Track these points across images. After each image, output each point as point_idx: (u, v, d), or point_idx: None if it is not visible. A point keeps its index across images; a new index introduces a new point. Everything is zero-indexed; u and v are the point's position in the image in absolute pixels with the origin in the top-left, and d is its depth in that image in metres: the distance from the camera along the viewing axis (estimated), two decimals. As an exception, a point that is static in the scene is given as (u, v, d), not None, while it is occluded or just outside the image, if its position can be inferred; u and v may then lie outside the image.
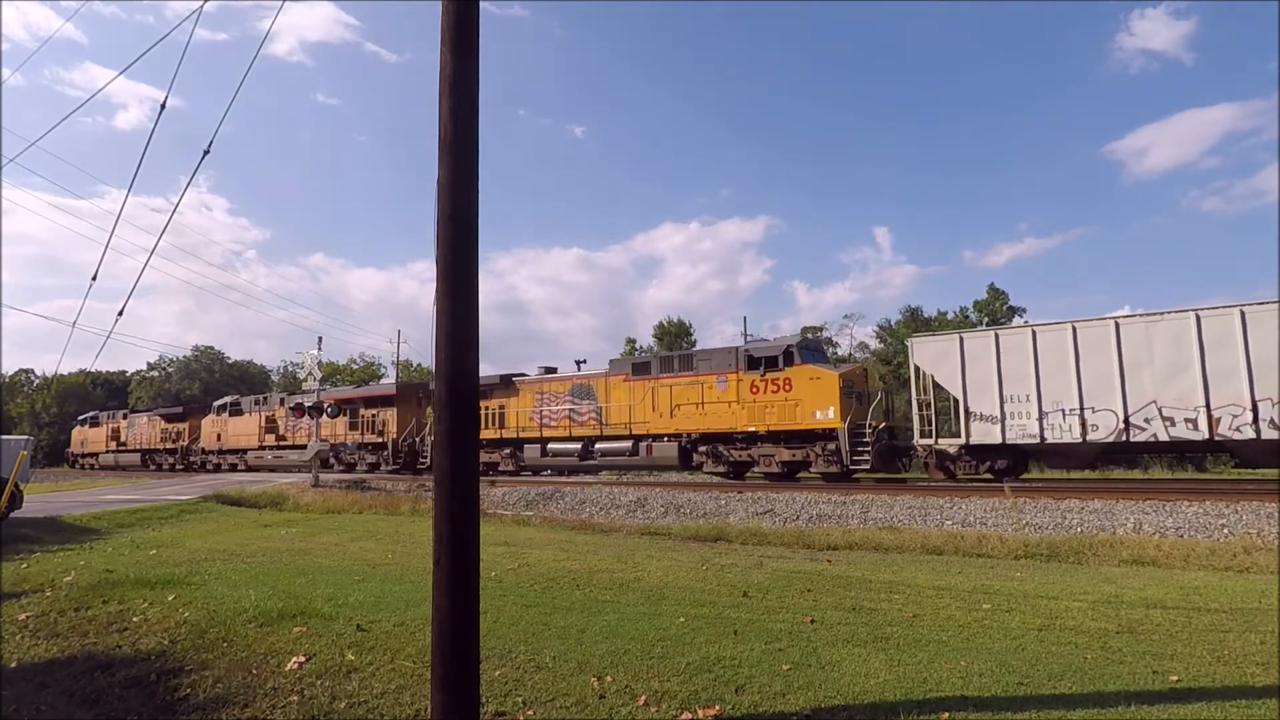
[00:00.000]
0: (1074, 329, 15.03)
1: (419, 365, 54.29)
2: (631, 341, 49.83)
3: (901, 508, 12.58)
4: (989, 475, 15.75)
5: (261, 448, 30.82)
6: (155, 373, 61.58)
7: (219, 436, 33.25)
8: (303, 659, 4.90)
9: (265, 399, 32.55)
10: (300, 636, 5.39)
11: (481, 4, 3.88)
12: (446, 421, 3.49)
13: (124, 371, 65.37)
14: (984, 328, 16.47)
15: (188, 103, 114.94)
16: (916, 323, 41.48)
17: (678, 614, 5.93)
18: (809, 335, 19.71)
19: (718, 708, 3.89)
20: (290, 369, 61.31)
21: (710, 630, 5.38)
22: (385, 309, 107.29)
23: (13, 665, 5.35)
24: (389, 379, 53.22)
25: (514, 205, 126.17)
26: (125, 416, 41.06)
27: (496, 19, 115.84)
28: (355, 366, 60.35)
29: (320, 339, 50.60)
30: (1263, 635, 5.13)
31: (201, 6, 5.95)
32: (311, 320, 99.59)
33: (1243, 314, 13.43)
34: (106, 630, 6.05)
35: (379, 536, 11.74)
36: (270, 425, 30.78)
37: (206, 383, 56.93)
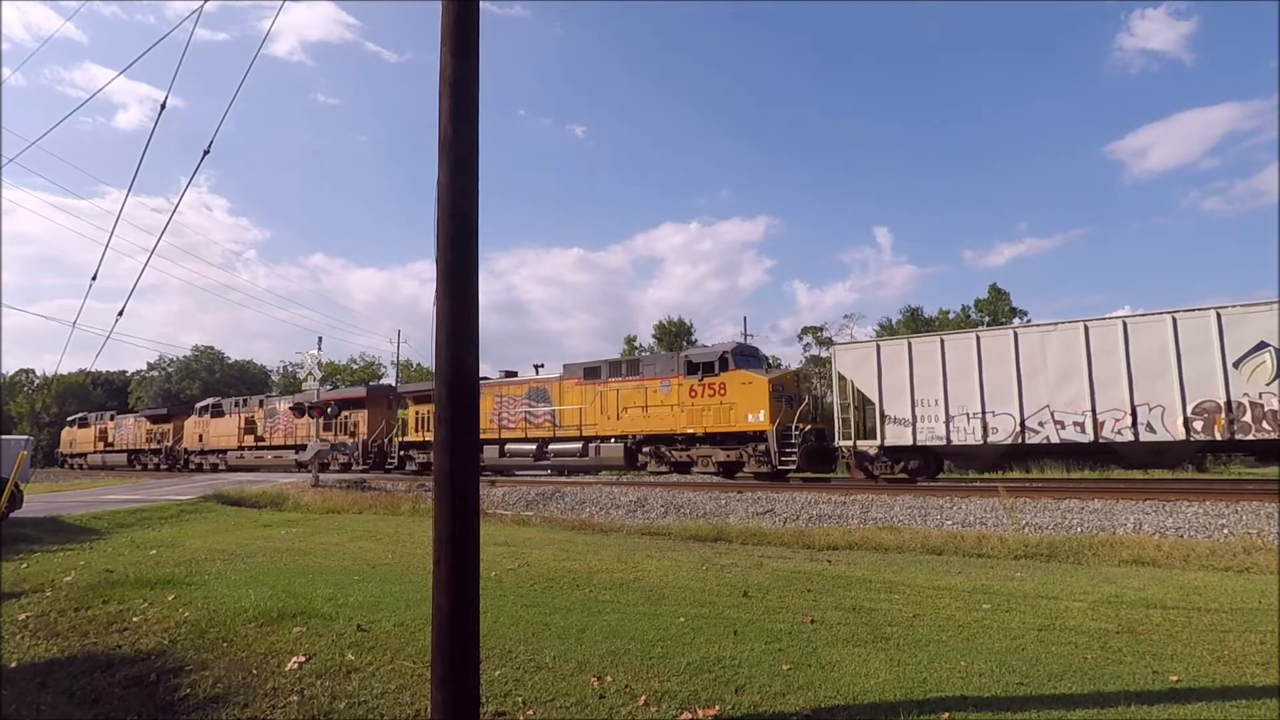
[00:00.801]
0: (978, 338, 16.14)
1: (419, 365, 54.29)
2: (631, 340, 49.83)
3: (901, 508, 12.58)
4: (904, 475, 16.72)
5: (240, 448, 31.87)
6: (155, 373, 61.60)
7: (201, 437, 34.26)
8: (303, 659, 4.90)
9: (244, 401, 33.53)
10: (300, 636, 5.39)
11: (481, 4, 3.88)
12: (447, 422, 3.49)
13: (124, 371, 65.39)
14: (899, 336, 17.78)
15: (188, 103, 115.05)
16: (917, 323, 41.48)
17: (678, 614, 5.93)
18: (744, 342, 20.98)
19: (718, 708, 3.89)
20: (290, 369, 61.34)
21: (710, 630, 5.38)
22: (385, 309, 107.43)
23: (13, 665, 5.35)
24: (389, 379, 53.30)
25: (514, 205, 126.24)
26: (113, 418, 41.99)
27: (496, 19, 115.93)
28: (355, 366, 60.32)
29: (320, 339, 50.67)
30: (1263, 635, 5.13)
31: (201, 6, 5.95)
32: (312, 320, 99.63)
33: (1125, 325, 14.55)
34: (106, 630, 6.05)
35: (379, 536, 11.74)
36: (249, 426, 31.81)
37: (206, 383, 56.93)
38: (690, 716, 3.82)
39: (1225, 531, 9.83)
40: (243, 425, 32.06)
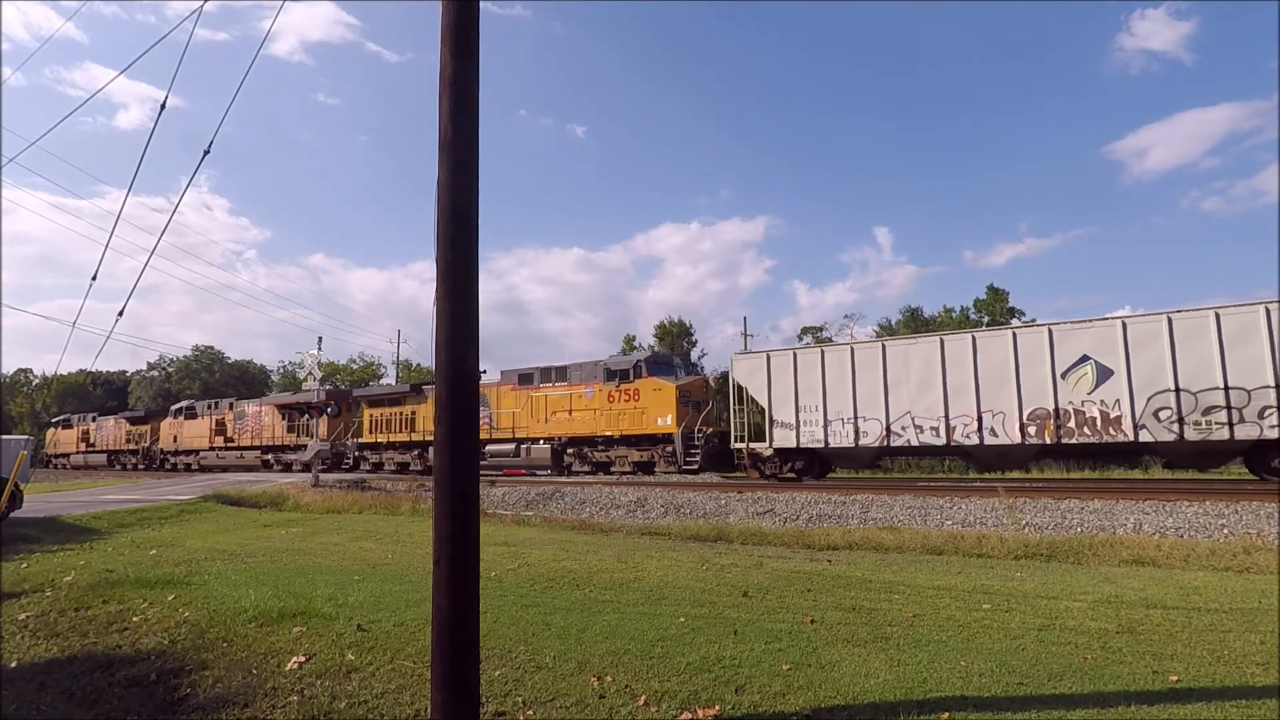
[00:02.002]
0: (852, 350, 17.74)
1: (419, 365, 54.24)
2: (631, 340, 49.78)
3: (901, 508, 12.58)
4: (792, 474, 18.19)
5: (211, 448, 33.28)
6: (155, 373, 61.57)
7: (175, 438, 35.63)
8: (303, 659, 4.90)
9: (216, 404, 34.92)
10: (300, 636, 5.39)
11: (481, 4, 3.88)
12: (447, 422, 3.49)
13: (124, 371, 65.37)
14: (786, 348, 19.41)
15: (188, 103, 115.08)
16: (917, 323, 41.51)
17: (678, 614, 5.93)
18: (659, 351, 22.88)
19: (718, 708, 3.89)
20: (290, 369, 61.30)
21: (710, 630, 5.38)
22: (385, 309, 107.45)
23: (13, 665, 5.34)
24: (389, 379, 53.33)
25: (514, 205, 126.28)
26: (94, 419, 43.12)
27: (497, 19, 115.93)
28: (355, 366, 60.28)
29: (320, 339, 50.68)
30: (1263, 635, 5.13)
31: (202, 6, 5.94)
32: (312, 320, 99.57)
33: (974, 338, 16.13)
34: (106, 630, 6.05)
35: (379, 536, 11.74)
36: (219, 428, 33.16)
37: (206, 383, 56.93)
38: (690, 716, 3.82)
39: (1225, 531, 9.83)
40: (213, 427, 33.28)
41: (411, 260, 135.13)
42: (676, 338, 46.21)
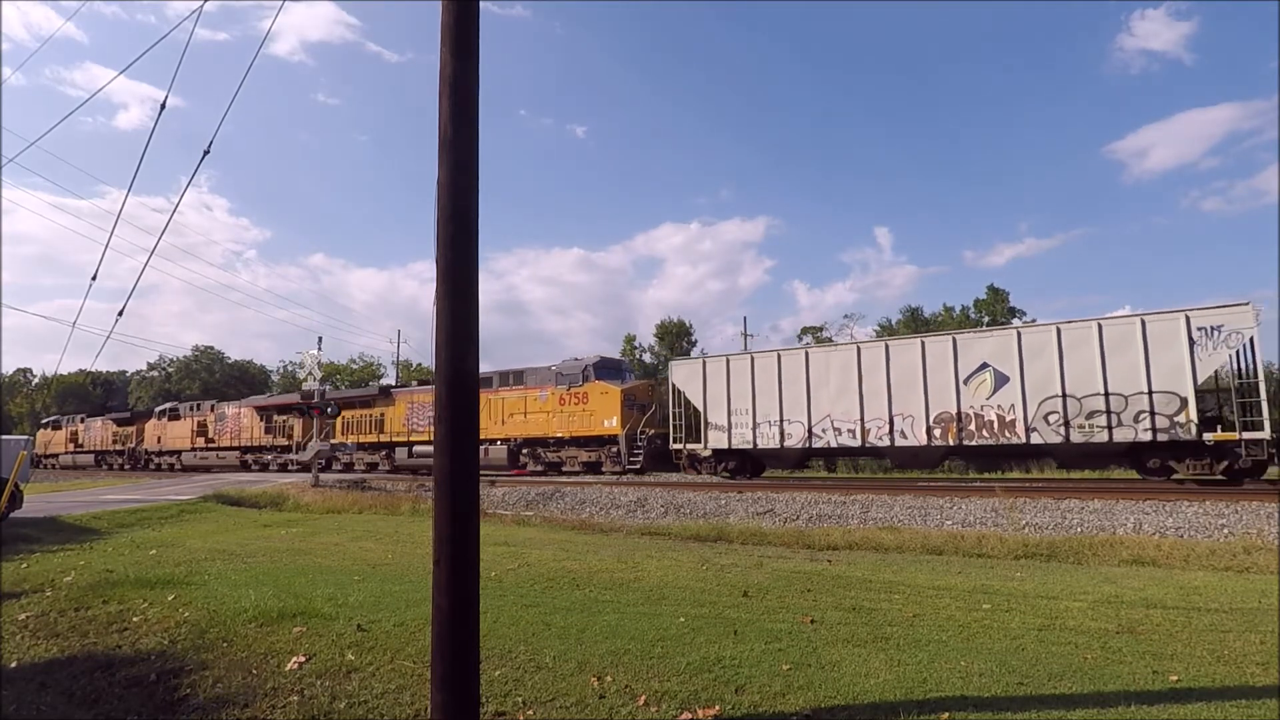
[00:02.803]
0: (778, 356, 18.69)
1: (419, 365, 54.25)
2: (631, 340, 49.79)
3: (901, 508, 12.58)
4: (728, 474, 19.10)
5: (193, 449, 34.36)
6: (155, 373, 61.56)
7: (159, 439, 36.58)
8: (303, 659, 4.90)
9: (198, 406, 35.97)
10: (300, 636, 5.39)
11: (482, 4, 3.87)
12: (447, 422, 3.49)
13: (124, 371, 65.37)
14: (720, 354, 20.29)
15: (188, 102, 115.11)
16: (917, 322, 41.53)
17: (678, 614, 5.93)
18: (608, 356, 23.31)
19: (718, 708, 3.89)
20: (290, 369, 61.30)
21: (710, 630, 5.38)
22: (385, 309, 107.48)
23: (13, 665, 5.34)
24: (389, 379, 53.32)
25: (514, 205, 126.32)
26: (83, 420, 43.98)
27: (497, 19, 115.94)
28: (355, 366, 60.26)
29: (320, 339, 50.72)
30: (1263, 635, 5.13)
31: (202, 6, 5.94)
32: (312, 320, 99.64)
33: (887, 346, 17.17)
34: (106, 630, 6.05)
35: (379, 536, 11.74)
36: (201, 429, 34.17)
37: (206, 383, 56.93)
38: (690, 716, 3.82)
39: (1225, 531, 9.83)
40: (195, 428, 34.35)
41: (411, 260, 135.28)
42: (676, 338, 46.21)
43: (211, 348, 61.83)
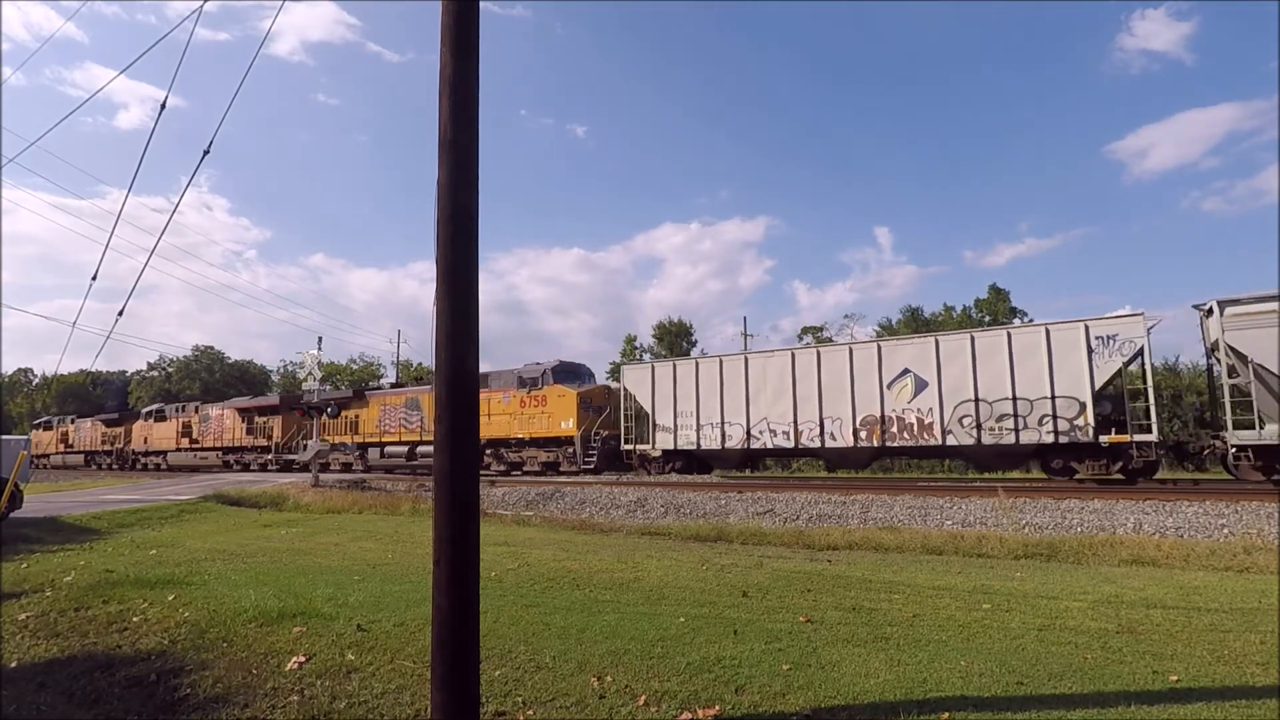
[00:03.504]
0: (720, 362, 19.75)
1: (419, 365, 54.23)
2: (631, 340, 49.77)
3: (901, 508, 12.58)
4: (674, 473, 20.02)
5: (178, 449, 35.37)
6: (155, 373, 61.54)
7: (146, 439, 37.60)
8: (303, 659, 4.90)
9: (183, 408, 36.96)
10: (300, 636, 5.39)
11: (482, 4, 3.88)
12: (447, 422, 3.49)
13: (124, 371, 65.34)
14: (668, 358, 21.95)
15: (189, 102, 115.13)
16: (917, 322, 41.52)
17: (678, 614, 5.93)
18: (566, 361, 24.12)
19: (718, 708, 3.89)
20: (290, 369, 61.28)
21: (710, 630, 5.38)
22: (386, 309, 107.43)
23: (13, 665, 5.34)
24: (389, 378, 53.34)
25: (514, 205, 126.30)
26: (73, 421, 44.95)
27: (497, 19, 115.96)
28: (355, 366, 60.25)
29: (320, 339, 50.71)
30: (1263, 635, 5.13)
31: (202, 6, 5.94)
32: (312, 320, 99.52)
33: (818, 353, 18.41)
34: (106, 630, 6.05)
35: (379, 536, 11.74)
36: (185, 430, 35.21)
37: (206, 383, 56.90)
38: (690, 716, 3.82)
39: (1225, 531, 9.83)
40: (180, 429, 35.36)
41: (411, 260, 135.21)
42: (676, 338, 46.17)
43: (211, 348, 61.83)
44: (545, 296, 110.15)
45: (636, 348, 48.04)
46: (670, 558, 9.11)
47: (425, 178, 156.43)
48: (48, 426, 46.30)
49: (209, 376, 58.28)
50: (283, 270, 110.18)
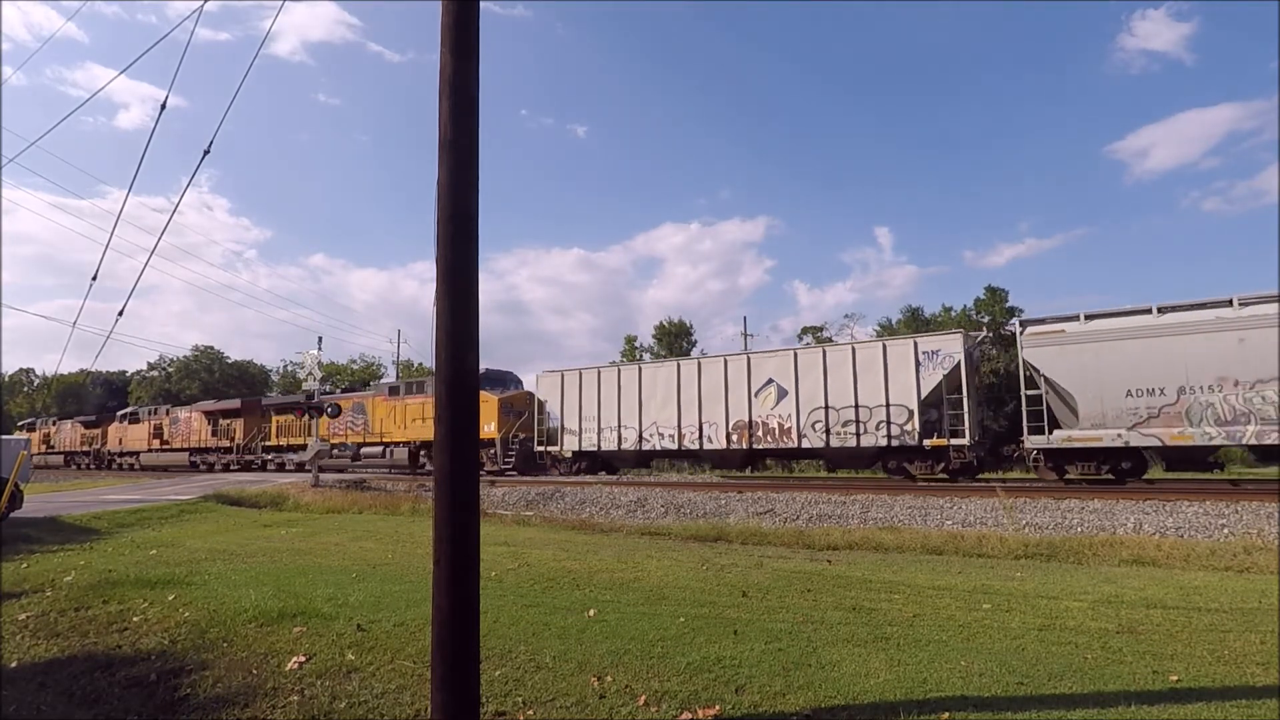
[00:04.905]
0: (619, 370, 21.85)
1: (419, 365, 54.21)
2: (631, 340, 49.76)
3: (901, 508, 12.58)
4: (581, 472, 21.61)
5: (150, 449, 36.91)
6: (155, 373, 61.45)
7: (120, 440, 39.26)
8: (303, 659, 4.89)
9: (155, 410, 38.65)
10: (300, 636, 5.39)
11: (482, 4, 3.88)
12: (446, 422, 3.49)
13: (124, 371, 65.26)
14: (575, 366, 23.00)
15: (189, 103, 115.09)
16: (917, 322, 41.48)
17: (678, 614, 5.93)
18: (492, 369, 25.69)
19: (718, 708, 3.89)
20: (290, 369, 61.24)
21: (710, 630, 5.38)
22: (386, 309, 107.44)
23: (13, 665, 5.34)
24: (389, 378, 53.35)
25: (514, 205, 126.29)
26: (55, 423, 46.38)
27: (498, 19, 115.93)
28: (355, 367, 60.21)
29: (320, 339, 50.74)
30: (1263, 635, 5.13)
31: (202, 6, 5.94)
32: (312, 320, 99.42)
33: (699, 364, 20.41)
34: (106, 630, 6.04)
35: (379, 536, 11.74)
36: (157, 431, 36.73)
37: (206, 383, 56.82)
38: (690, 716, 3.82)
39: (1225, 531, 9.82)
40: (152, 431, 36.83)
41: (411, 260, 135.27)
42: (676, 338, 46.15)
43: (211, 348, 61.71)
44: (545, 296, 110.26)
45: (637, 348, 48.04)
46: (670, 558, 9.11)
47: (425, 178, 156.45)
48: (31, 428, 47.47)
49: (209, 376, 58.18)
50: (283, 270, 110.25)
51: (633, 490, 16.24)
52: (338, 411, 25.49)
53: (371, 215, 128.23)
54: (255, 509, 17.17)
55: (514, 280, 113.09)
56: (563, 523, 13.93)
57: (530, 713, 3.93)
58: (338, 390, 34.20)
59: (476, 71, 3.72)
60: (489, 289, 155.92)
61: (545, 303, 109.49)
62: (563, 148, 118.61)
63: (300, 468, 28.82)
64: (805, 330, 46.42)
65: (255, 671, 4.78)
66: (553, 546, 10.18)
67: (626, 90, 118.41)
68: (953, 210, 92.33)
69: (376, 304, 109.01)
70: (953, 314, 41.67)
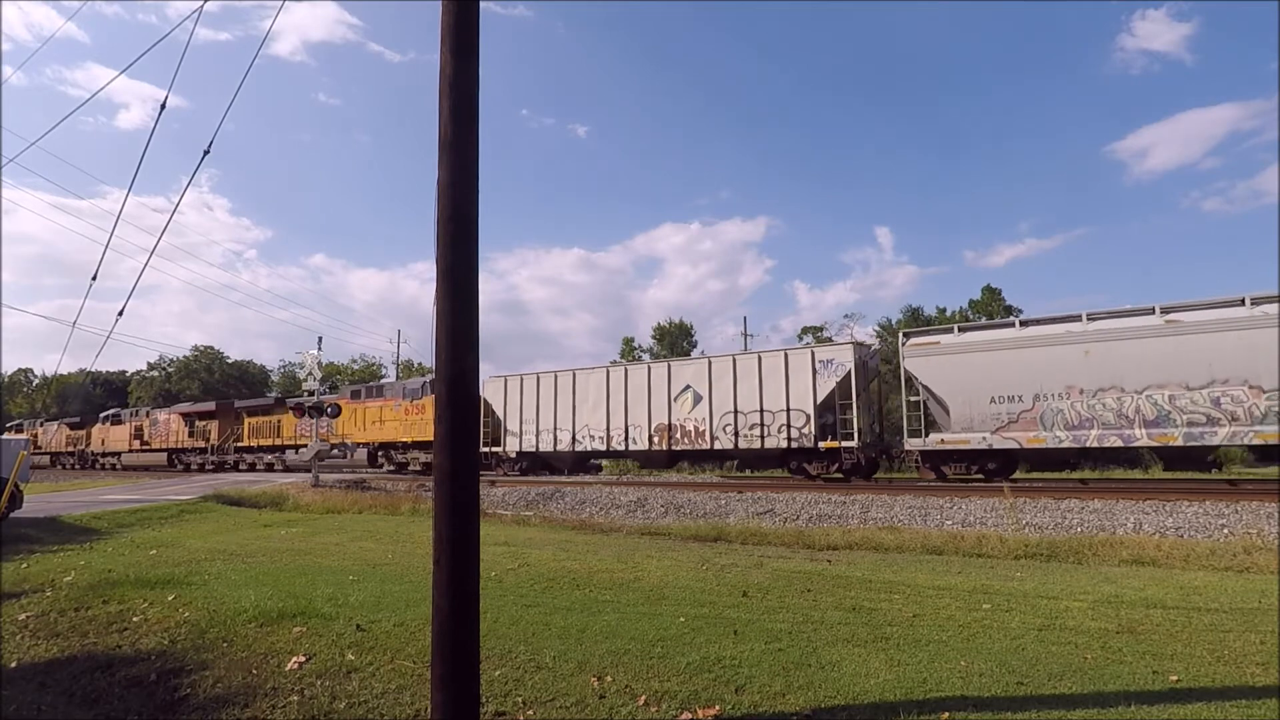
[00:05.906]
0: (555, 376, 22.93)
1: (419, 365, 54.22)
2: (630, 341, 49.77)
3: (901, 508, 12.58)
4: (520, 473, 23.00)
5: (130, 450, 38.06)
6: (155, 373, 61.45)
7: (103, 441, 40.53)
8: (303, 659, 4.90)
9: (136, 412, 40.15)
10: (300, 636, 5.39)
11: (483, 4, 3.87)
12: (446, 422, 3.49)
13: (124, 371, 65.26)
14: (518, 372, 24.39)
15: (189, 102, 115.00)
16: (917, 322, 41.47)
17: (678, 614, 5.93)
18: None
19: (718, 708, 3.89)
20: (290, 369, 61.24)
21: (710, 630, 5.38)
22: (386, 309, 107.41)
23: (13, 665, 5.34)
24: (389, 378, 53.40)
25: (514, 205, 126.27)
26: (42, 424, 47.76)
27: (498, 19, 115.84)
28: (356, 367, 60.21)
29: (320, 339, 50.78)
30: (1263, 635, 5.13)
31: (202, 6, 5.95)
32: (312, 320, 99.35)
33: (626, 370, 21.68)
34: (106, 630, 6.05)
35: (379, 536, 11.74)
36: (138, 433, 37.88)
37: (206, 383, 56.82)
38: (690, 716, 3.82)
39: (1225, 531, 9.83)
40: (133, 432, 37.95)
41: (411, 260, 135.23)
42: (676, 338, 46.16)
43: (211, 348, 61.70)
44: (545, 296, 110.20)
45: (635, 349, 48.05)
46: (670, 558, 9.11)
47: (425, 178, 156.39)
48: (19, 429, 48.11)
49: (209, 376, 58.18)
50: (283, 270, 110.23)
51: (633, 490, 16.25)
52: (337, 411, 25.52)
53: (372, 215, 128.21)
54: (255, 509, 17.17)
55: (514, 280, 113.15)
56: (562, 523, 13.93)
57: (530, 713, 3.93)
58: (317, 394, 35.80)
59: (476, 71, 3.72)
60: (489, 289, 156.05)
61: (545, 303, 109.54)
62: (563, 148, 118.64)
63: (270, 468, 30.65)
64: (805, 330, 46.42)
65: (255, 671, 4.78)
66: (552, 546, 10.18)
67: (627, 90, 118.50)
68: (953, 210, 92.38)
69: (377, 304, 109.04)
70: (949, 315, 41.69)
